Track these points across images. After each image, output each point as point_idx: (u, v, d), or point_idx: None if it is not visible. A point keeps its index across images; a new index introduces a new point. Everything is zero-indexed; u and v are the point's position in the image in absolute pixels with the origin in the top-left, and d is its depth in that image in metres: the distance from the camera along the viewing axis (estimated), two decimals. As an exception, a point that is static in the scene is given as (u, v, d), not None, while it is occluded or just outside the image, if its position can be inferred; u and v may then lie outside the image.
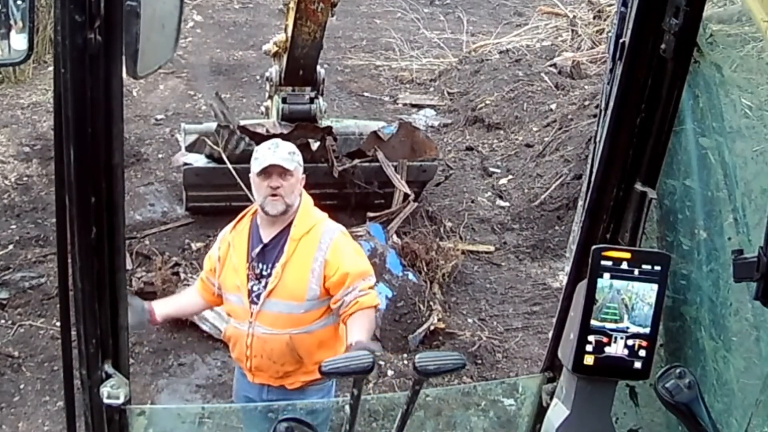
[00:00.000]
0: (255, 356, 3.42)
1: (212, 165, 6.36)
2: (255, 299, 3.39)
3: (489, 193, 7.70)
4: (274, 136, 6.37)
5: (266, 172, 3.37)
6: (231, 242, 3.49)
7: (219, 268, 3.51)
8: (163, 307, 3.66)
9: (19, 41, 2.08)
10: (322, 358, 3.09)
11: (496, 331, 5.84)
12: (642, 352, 1.94)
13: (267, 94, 6.97)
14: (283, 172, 3.35)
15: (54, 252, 5.71)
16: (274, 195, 3.36)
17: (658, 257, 1.94)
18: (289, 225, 3.42)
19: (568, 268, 2.20)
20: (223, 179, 6.22)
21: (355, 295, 3.33)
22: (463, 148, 8.51)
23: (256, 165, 3.42)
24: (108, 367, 1.87)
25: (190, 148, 6.52)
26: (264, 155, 3.41)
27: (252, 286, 3.41)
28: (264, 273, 3.40)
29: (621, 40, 1.90)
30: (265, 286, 3.38)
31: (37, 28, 7.11)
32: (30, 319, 5.55)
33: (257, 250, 3.42)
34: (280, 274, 3.36)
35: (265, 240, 3.44)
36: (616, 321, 1.93)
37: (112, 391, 1.87)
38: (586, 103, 8.39)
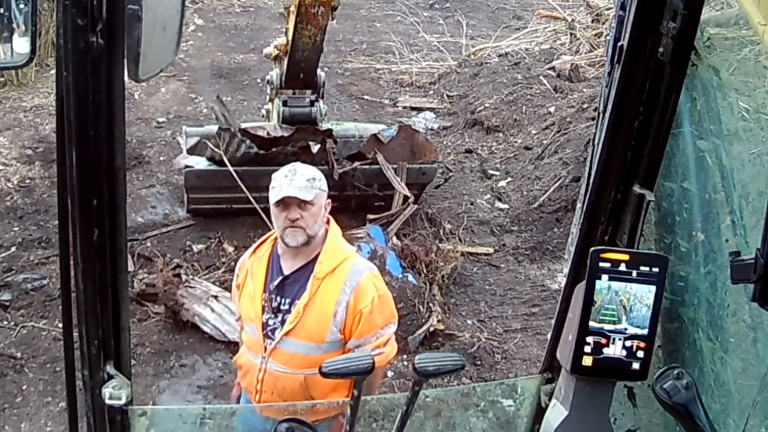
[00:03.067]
0: (265, 391, 3.23)
1: (213, 167, 6.38)
2: (270, 334, 3.19)
3: (488, 196, 7.70)
4: (275, 138, 6.43)
5: (284, 202, 3.10)
6: (249, 269, 3.28)
7: (237, 295, 3.35)
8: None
9: (21, 44, 2.09)
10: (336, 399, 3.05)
11: (495, 333, 5.85)
12: (640, 353, 1.95)
13: (268, 97, 6.99)
14: (301, 202, 3.10)
15: (56, 254, 5.70)
16: (293, 227, 3.11)
17: (656, 259, 1.95)
18: (314, 259, 3.17)
19: (566, 270, 2.21)
20: (224, 182, 6.26)
21: (365, 352, 3.06)
22: (463, 150, 8.52)
23: (272, 195, 3.13)
24: (110, 368, 1.88)
25: (192, 151, 6.53)
26: (280, 184, 3.11)
27: (267, 320, 3.20)
28: (282, 307, 3.18)
29: (619, 44, 1.91)
30: (282, 322, 3.17)
31: (40, 32, 7.10)
32: (32, 320, 5.56)
33: (276, 282, 3.20)
34: (301, 314, 3.14)
35: (286, 272, 3.20)
36: (614, 322, 1.94)
37: (114, 391, 1.87)
38: (585, 106, 8.40)
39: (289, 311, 3.17)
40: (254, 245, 3.40)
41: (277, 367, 3.19)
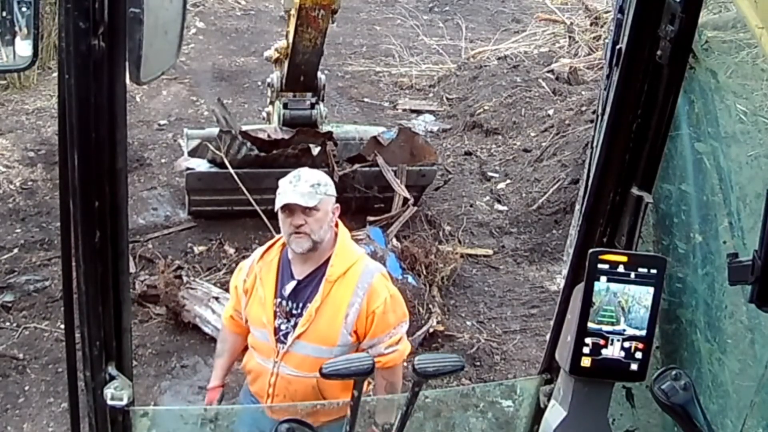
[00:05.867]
0: (277, 395, 3.22)
1: (214, 170, 6.40)
2: (282, 338, 3.18)
3: (487, 198, 7.71)
4: (276, 140, 6.44)
5: (288, 208, 3.09)
6: (258, 274, 3.26)
7: (245, 300, 3.30)
8: (216, 377, 3.55)
9: (24, 48, 2.10)
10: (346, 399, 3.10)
11: (495, 334, 5.85)
12: (638, 354, 1.96)
13: (268, 100, 7.01)
14: (305, 209, 3.08)
15: (58, 255, 5.73)
16: (298, 233, 3.10)
17: (654, 260, 1.96)
18: (325, 263, 3.17)
19: (565, 272, 2.22)
20: (225, 184, 6.28)
21: (379, 351, 3.12)
22: (462, 153, 8.53)
23: (277, 201, 3.13)
24: (111, 369, 1.89)
25: (193, 153, 6.54)
26: (285, 190, 3.11)
27: (279, 324, 3.19)
28: (294, 312, 3.17)
29: (617, 47, 1.92)
30: (294, 326, 3.16)
31: (42, 35, 7.15)
32: (35, 321, 5.57)
33: (289, 287, 3.19)
34: (313, 317, 3.14)
35: (299, 277, 3.20)
36: (612, 323, 1.95)
37: (116, 392, 1.88)
38: (583, 108, 8.41)
39: (300, 315, 3.16)
40: (261, 250, 3.37)
41: (290, 370, 3.18)
